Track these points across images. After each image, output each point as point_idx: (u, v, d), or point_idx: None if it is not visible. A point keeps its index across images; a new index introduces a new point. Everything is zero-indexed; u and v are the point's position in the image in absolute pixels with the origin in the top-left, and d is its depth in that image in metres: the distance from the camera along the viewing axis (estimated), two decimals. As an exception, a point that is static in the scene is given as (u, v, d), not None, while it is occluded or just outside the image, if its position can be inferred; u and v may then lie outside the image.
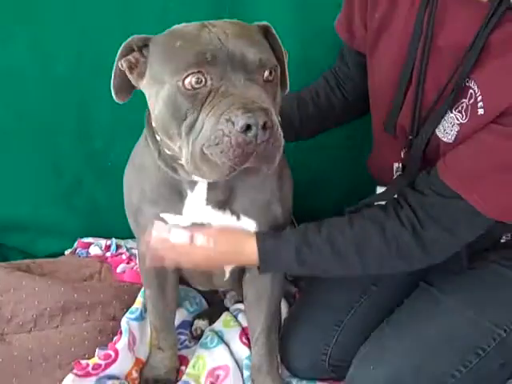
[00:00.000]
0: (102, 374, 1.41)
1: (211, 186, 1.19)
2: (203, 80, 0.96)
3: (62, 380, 1.38)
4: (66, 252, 1.93)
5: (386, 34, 1.31)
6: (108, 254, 1.87)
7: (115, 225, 1.86)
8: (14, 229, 1.96)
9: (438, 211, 1.20)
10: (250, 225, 1.25)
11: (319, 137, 1.64)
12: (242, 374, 1.48)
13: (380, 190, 1.40)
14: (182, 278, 1.58)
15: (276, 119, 0.96)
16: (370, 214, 1.27)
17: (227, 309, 1.70)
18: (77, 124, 1.79)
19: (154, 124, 1.09)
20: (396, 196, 1.28)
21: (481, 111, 1.12)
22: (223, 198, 1.21)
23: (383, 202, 1.31)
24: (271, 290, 1.40)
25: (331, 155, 1.86)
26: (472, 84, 1.14)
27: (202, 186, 1.19)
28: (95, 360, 1.42)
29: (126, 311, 1.57)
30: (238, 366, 1.50)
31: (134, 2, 1.62)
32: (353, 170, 1.82)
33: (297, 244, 1.25)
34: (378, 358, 1.33)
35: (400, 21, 1.27)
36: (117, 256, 1.85)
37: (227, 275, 1.44)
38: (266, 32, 1.10)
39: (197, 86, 0.96)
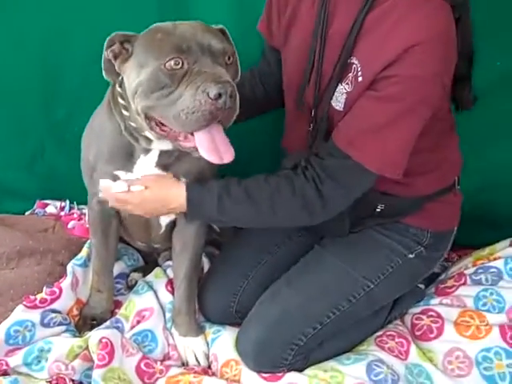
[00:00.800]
0: (47, 308, 1.66)
1: (162, 153, 1.47)
2: (180, 63, 1.26)
3: (13, 310, 1.63)
4: (27, 213, 2.19)
5: (293, 29, 1.59)
6: (62, 214, 2.15)
7: (71, 189, 2.13)
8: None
9: (334, 170, 1.44)
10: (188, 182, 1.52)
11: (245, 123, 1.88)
12: (165, 315, 1.75)
13: None
14: (123, 238, 1.88)
15: (236, 89, 1.25)
16: (282, 173, 1.52)
17: (160, 266, 1.97)
18: (42, 93, 2.00)
19: (131, 99, 1.34)
20: (304, 161, 1.52)
21: (360, 79, 1.39)
22: (169, 162, 1.49)
23: None
24: (195, 241, 1.68)
25: (255, 139, 2.10)
26: (354, 60, 1.41)
27: (154, 152, 1.47)
28: (42, 295, 1.68)
29: (73, 259, 1.84)
30: (162, 309, 1.77)
31: None
32: (273, 153, 2.00)
33: (218, 192, 1.48)
34: (271, 301, 1.63)
35: (304, 17, 1.55)
36: (69, 215, 2.13)
37: (163, 228, 1.71)
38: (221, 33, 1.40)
39: (175, 67, 1.26)
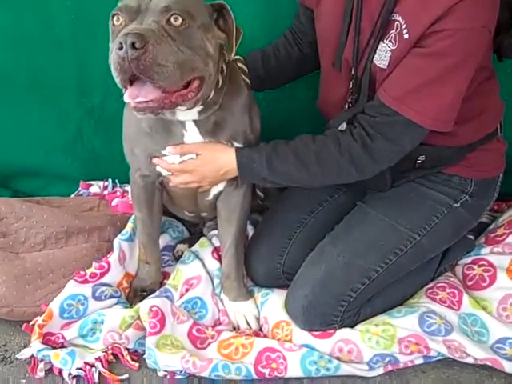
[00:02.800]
0: (97, 282, 1.70)
1: (198, 123, 1.46)
2: (120, 20, 1.25)
3: (65, 286, 1.67)
4: (72, 195, 2.23)
5: None
6: (105, 192, 2.18)
7: (112, 169, 2.20)
8: (25, 175, 2.26)
9: (383, 127, 1.44)
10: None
11: (282, 88, 1.91)
12: (213, 282, 1.77)
13: None
14: (167, 211, 1.90)
15: (154, 42, 1.16)
16: (329, 132, 1.53)
17: (205, 236, 1.99)
18: (77, 79, 2.04)
19: None
20: (351, 121, 1.53)
21: (406, 36, 1.36)
22: (212, 127, 1.48)
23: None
24: (241, 206, 1.69)
25: (293, 104, 2.10)
26: (397, 17, 1.39)
27: (190, 124, 1.46)
28: (92, 270, 1.72)
29: (119, 234, 1.87)
30: (210, 276, 1.79)
31: None
32: (315, 116, 1.98)
33: (267, 153, 1.50)
34: (317, 260, 1.63)
35: None
36: (113, 193, 2.16)
37: (210, 196, 1.71)
38: (221, 9, 1.36)
39: (116, 23, 1.26)
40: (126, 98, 1.24)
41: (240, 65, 1.69)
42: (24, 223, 1.89)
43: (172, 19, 1.23)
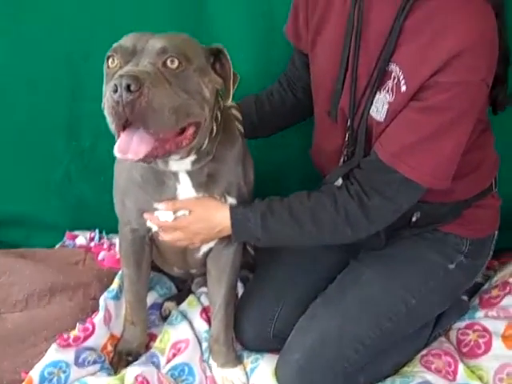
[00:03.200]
0: (80, 346, 1.63)
1: (191, 174, 1.40)
2: (115, 62, 1.20)
3: (47, 350, 1.59)
4: (57, 245, 2.16)
5: (323, 31, 1.53)
6: (92, 244, 2.12)
7: (100, 218, 2.13)
8: (8, 224, 2.18)
9: (380, 184, 1.39)
10: (232, 203, 1.49)
11: (275, 136, 1.88)
12: (201, 346, 1.71)
13: None
14: (155, 265, 1.84)
15: (149, 85, 1.10)
16: (325, 188, 1.49)
17: (193, 293, 1.93)
18: (66, 122, 1.98)
19: None
20: (347, 176, 1.49)
21: (403, 88, 1.32)
22: (206, 180, 1.43)
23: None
24: (232, 265, 1.64)
25: (285, 152, 2.07)
26: (394, 66, 1.34)
27: (183, 175, 1.40)
28: (75, 333, 1.64)
29: (105, 291, 1.81)
30: (198, 339, 1.73)
31: (119, 9, 1.81)
32: (305, 164, 1.97)
33: (262, 211, 1.46)
34: (308, 325, 1.58)
35: (335, 18, 1.49)
36: (99, 245, 2.10)
37: (201, 252, 1.65)
38: (218, 53, 1.32)
39: (111, 65, 1.21)
40: (116, 152, 1.18)
41: (233, 111, 1.66)
42: (6, 279, 1.83)
43: (168, 62, 1.19)
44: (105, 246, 2.09)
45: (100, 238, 2.15)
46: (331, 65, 1.51)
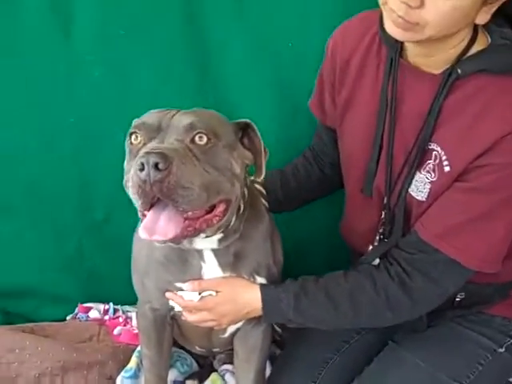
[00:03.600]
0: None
1: (217, 252, 1.32)
2: (139, 138, 1.14)
3: None
4: (68, 317, 2.04)
5: (352, 108, 1.47)
6: (106, 318, 1.99)
7: (113, 290, 2.03)
8: (18, 296, 2.07)
9: (424, 265, 1.32)
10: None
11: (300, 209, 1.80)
12: (226, 429, 1.58)
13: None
14: (175, 341, 1.72)
15: (178, 162, 1.04)
16: (362, 269, 1.41)
17: (216, 370, 1.81)
18: (79, 195, 1.92)
19: None
20: (385, 255, 1.41)
21: (447, 169, 1.26)
22: (232, 259, 1.35)
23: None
24: (261, 347, 1.53)
25: (311, 225, 2.01)
26: (435, 146, 1.28)
27: (209, 254, 1.32)
28: (91, 418, 1.53)
29: (122, 370, 1.69)
30: (224, 420, 1.60)
31: (128, 86, 1.77)
32: (332, 238, 1.93)
33: (295, 292, 1.37)
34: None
35: (365, 95, 1.43)
36: (114, 319, 1.98)
37: (227, 333, 1.55)
38: (246, 128, 1.27)
39: (134, 142, 1.15)
40: (142, 232, 1.10)
41: (258, 187, 1.58)
42: (16, 357, 1.70)
43: (197, 138, 1.12)
44: (120, 319, 1.96)
45: (115, 311, 2.03)
46: (363, 142, 1.45)
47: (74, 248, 2.02)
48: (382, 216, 1.46)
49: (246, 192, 1.33)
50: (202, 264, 1.34)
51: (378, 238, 1.49)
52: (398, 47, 1.32)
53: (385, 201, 1.43)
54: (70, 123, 1.81)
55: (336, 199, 1.80)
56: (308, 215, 1.94)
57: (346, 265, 1.79)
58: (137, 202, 1.09)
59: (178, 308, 1.45)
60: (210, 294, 1.38)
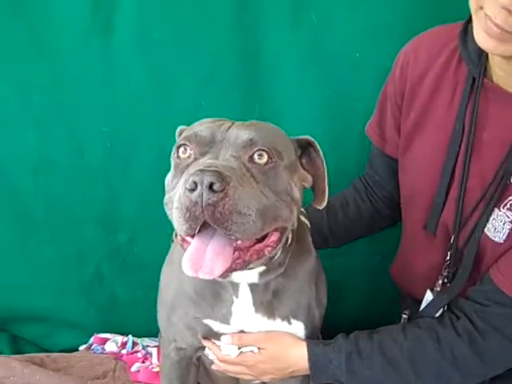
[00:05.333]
0: None
1: (254, 288, 1.17)
2: (188, 152, 1.00)
3: None
4: (81, 347, 1.90)
5: (421, 134, 1.32)
6: (124, 352, 1.83)
7: (133, 321, 1.90)
8: (30, 320, 1.94)
9: (500, 320, 1.17)
10: (299, 328, 1.24)
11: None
12: None
13: (428, 296, 1.35)
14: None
15: (236, 184, 0.91)
16: (424, 324, 1.26)
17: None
18: (102, 216, 1.80)
19: None
20: (450, 307, 1.27)
21: None
22: (269, 299, 1.19)
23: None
24: None
25: (353, 262, 1.87)
26: None
27: (245, 288, 1.17)
28: None
29: (139, 413, 1.53)
30: None
31: (168, 96, 1.66)
32: (374, 276, 1.84)
33: (347, 351, 1.24)
34: None
35: (437, 119, 1.28)
36: (132, 354, 1.82)
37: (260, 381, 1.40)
38: (307, 146, 1.13)
39: (182, 156, 1.01)
40: (186, 267, 0.94)
41: (302, 218, 1.41)
42: (23, 393, 1.55)
43: (256, 156, 0.98)
44: (139, 355, 1.80)
45: (133, 345, 1.86)
46: (431, 173, 1.30)
47: (93, 271, 1.89)
48: (448, 258, 1.29)
49: (295, 222, 1.17)
50: (235, 299, 1.18)
51: (440, 282, 1.32)
52: (482, 65, 1.17)
53: (452, 240, 1.27)
54: (101, 133, 1.69)
55: (380, 234, 1.67)
56: (349, 250, 1.77)
57: (392, 307, 1.64)
58: (180, 227, 0.93)
59: (211, 356, 1.30)
60: (252, 351, 1.24)
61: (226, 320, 1.20)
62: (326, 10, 1.56)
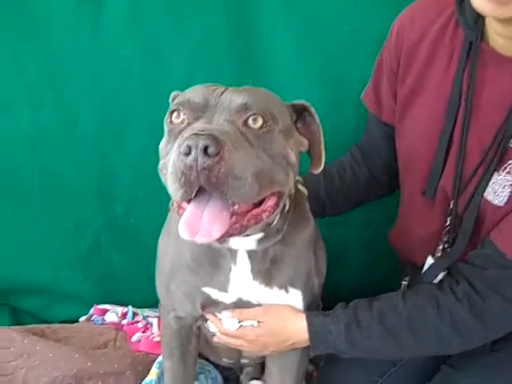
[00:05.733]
0: None
1: (252, 255, 1.16)
2: (181, 117, 0.99)
3: None
4: (81, 318, 1.89)
5: (417, 100, 1.31)
6: (124, 322, 1.83)
7: (132, 292, 1.89)
8: (29, 292, 1.94)
9: (500, 282, 1.17)
10: (297, 296, 1.24)
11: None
12: None
13: (430, 261, 1.34)
14: (200, 352, 1.56)
15: (231, 147, 0.90)
16: (423, 290, 1.26)
17: (242, 384, 1.66)
18: (98, 187, 1.79)
19: None
20: (450, 271, 1.26)
21: None
22: (267, 266, 1.18)
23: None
24: (298, 366, 1.37)
25: (350, 230, 1.86)
26: None
27: (243, 255, 1.16)
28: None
29: (140, 382, 1.54)
30: None
31: (160, 68, 1.63)
32: (372, 244, 1.83)
33: (346, 321, 1.23)
34: None
35: (434, 84, 1.27)
36: (133, 324, 1.81)
37: None
38: (302, 111, 1.12)
39: (176, 121, 1.00)
40: (182, 231, 0.94)
41: (299, 186, 1.40)
42: (24, 362, 1.54)
43: (250, 120, 0.97)
44: (140, 325, 1.80)
45: (134, 315, 1.85)
46: (428, 138, 1.29)
47: (91, 242, 1.88)
48: (447, 223, 1.29)
49: (292, 188, 1.16)
50: (233, 266, 1.18)
51: (440, 247, 1.31)
52: (479, 29, 1.15)
53: (451, 205, 1.27)
54: (94, 105, 1.67)
55: (377, 202, 1.66)
56: (347, 219, 1.77)
57: (391, 274, 1.64)
58: (175, 192, 0.93)
59: (213, 329, 1.31)
60: (252, 325, 1.25)
61: (224, 288, 1.19)
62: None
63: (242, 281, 1.19)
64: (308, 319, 1.23)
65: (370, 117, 1.49)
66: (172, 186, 0.92)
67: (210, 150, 0.86)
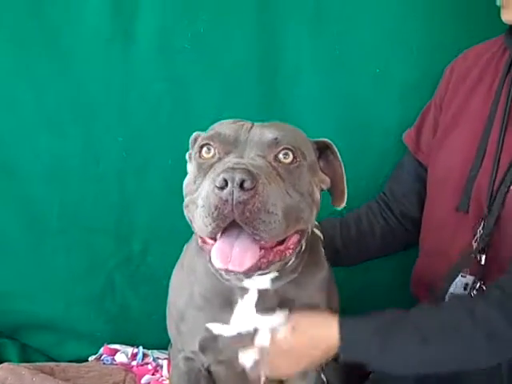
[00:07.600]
0: None
1: (262, 294, 1.15)
2: (212, 151, 1.00)
3: None
4: (91, 358, 1.86)
5: (458, 125, 1.36)
6: (134, 363, 1.80)
7: (144, 332, 1.87)
8: (39, 328, 1.91)
9: None
10: None
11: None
12: None
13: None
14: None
15: (265, 182, 0.91)
16: (453, 299, 1.27)
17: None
18: (116, 224, 1.79)
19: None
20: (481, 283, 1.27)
21: None
22: (273, 305, 1.16)
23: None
24: None
25: (366, 278, 1.83)
26: None
27: (252, 293, 1.15)
28: None
29: (149, 428, 1.50)
30: None
31: (187, 106, 1.66)
32: (391, 292, 1.79)
33: (377, 327, 1.19)
34: None
35: (476, 103, 1.32)
36: (142, 366, 1.79)
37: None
38: (324, 149, 1.13)
39: (206, 156, 1.01)
40: (215, 260, 0.94)
41: (315, 230, 1.38)
42: (32, 401, 1.52)
43: (281, 155, 0.98)
44: (149, 367, 1.77)
45: (144, 356, 1.83)
46: (465, 157, 1.33)
47: (104, 280, 1.86)
48: (478, 233, 1.29)
49: (313, 226, 1.16)
50: (239, 301, 1.16)
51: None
52: None
53: (484, 211, 1.27)
54: (118, 141, 1.69)
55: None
56: (364, 266, 1.72)
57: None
58: (204, 227, 0.93)
59: (249, 364, 1.25)
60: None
61: (226, 321, 1.17)
62: (346, 22, 1.57)
63: (244, 314, 1.17)
64: (339, 322, 1.19)
65: (405, 158, 1.53)
66: (202, 220, 0.93)
67: (246, 184, 0.87)
